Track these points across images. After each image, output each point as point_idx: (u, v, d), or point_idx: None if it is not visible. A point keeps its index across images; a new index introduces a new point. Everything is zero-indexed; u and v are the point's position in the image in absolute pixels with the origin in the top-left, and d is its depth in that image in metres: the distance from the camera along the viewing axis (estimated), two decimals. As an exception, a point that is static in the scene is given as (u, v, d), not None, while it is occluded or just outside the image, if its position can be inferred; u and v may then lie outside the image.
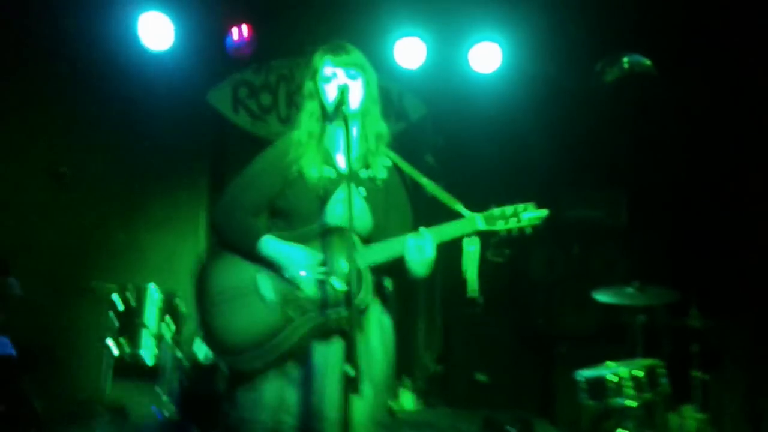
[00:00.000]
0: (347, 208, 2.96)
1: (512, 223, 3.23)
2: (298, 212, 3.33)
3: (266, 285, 3.22)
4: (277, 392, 3.18)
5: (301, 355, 3.18)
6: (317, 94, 3.42)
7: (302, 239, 3.25)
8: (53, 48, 6.64)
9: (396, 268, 3.25)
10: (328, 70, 3.38)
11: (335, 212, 3.28)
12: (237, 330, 3.19)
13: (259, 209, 3.40)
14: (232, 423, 3.25)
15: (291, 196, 3.35)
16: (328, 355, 3.18)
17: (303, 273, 3.17)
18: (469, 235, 3.24)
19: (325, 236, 3.23)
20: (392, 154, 3.49)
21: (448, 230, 3.23)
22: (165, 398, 5.75)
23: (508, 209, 3.24)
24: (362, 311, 3.18)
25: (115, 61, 6.81)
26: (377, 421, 3.28)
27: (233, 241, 3.31)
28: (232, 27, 7.08)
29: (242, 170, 3.46)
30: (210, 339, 3.26)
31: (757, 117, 6.19)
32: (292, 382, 3.19)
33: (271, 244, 3.23)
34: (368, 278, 3.17)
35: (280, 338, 3.13)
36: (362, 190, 3.36)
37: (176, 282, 6.70)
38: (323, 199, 3.31)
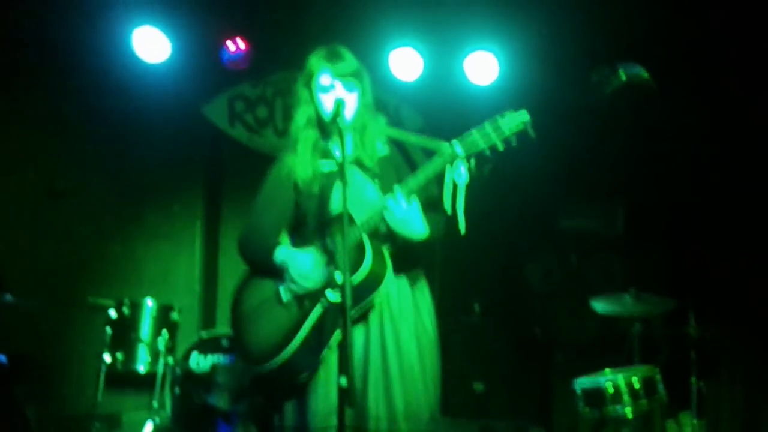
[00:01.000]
0: (352, 198, 2.96)
1: (494, 137, 3.04)
2: (309, 214, 3.38)
3: (285, 290, 3.27)
4: (323, 398, 3.18)
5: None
6: (312, 101, 3.44)
7: (307, 239, 3.32)
8: (47, 62, 6.63)
9: (393, 235, 3.22)
10: (326, 80, 3.39)
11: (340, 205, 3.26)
12: (265, 338, 3.25)
13: (280, 229, 3.45)
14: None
15: (300, 203, 3.41)
16: (364, 349, 3.20)
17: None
18: (451, 164, 3.09)
19: (326, 229, 3.25)
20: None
21: (429, 168, 3.13)
22: (158, 407, 5.73)
23: (486, 125, 3.07)
24: (374, 284, 3.14)
25: (110, 74, 6.79)
26: (418, 415, 3.23)
27: (256, 263, 3.41)
28: (227, 40, 7.07)
29: (255, 199, 3.54)
30: (247, 356, 3.33)
31: (755, 127, 6.19)
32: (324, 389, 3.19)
33: (281, 255, 3.28)
34: (368, 248, 3.14)
35: (305, 330, 3.15)
36: (367, 172, 3.38)
37: (172, 293, 6.72)
38: (323, 196, 3.34)
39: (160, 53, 6.85)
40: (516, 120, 3.07)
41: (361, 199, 3.26)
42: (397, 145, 3.51)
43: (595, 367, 5.26)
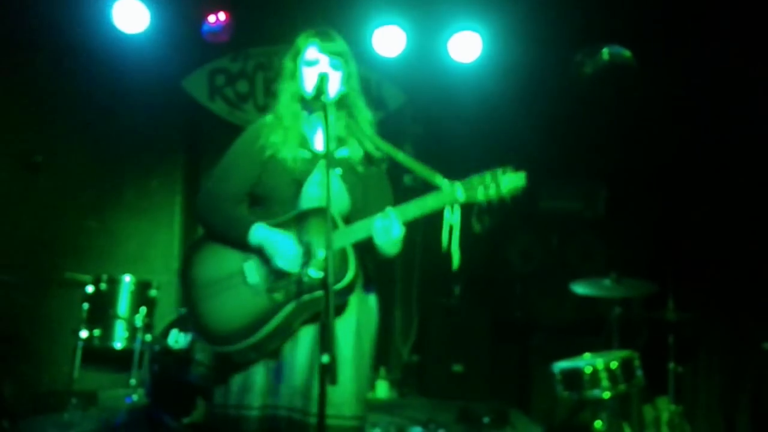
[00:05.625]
0: (324, 191, 2.94)
1: (492, 192, 3.14)
2: (274, 196, 3.33)
3: (252, 271, 3.22)
4: (265, 377, 3.20)
5: (290, 340, 3.20)
6: (297, 76, 3.41)
7: (282, 225, 3.24)
8: (25, 34, 6.52)
9: (369, 248, 3.23)
10: (312, 54, 3.37)
11: (311, 194, 3.28)
12: (227, 319, 3.19)
13: (240, 198, 3.40)
14: (221, 410, 3.25)
15: (267, 181, 3.35)
16: (317, 337, 3.18)
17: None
18: (450, 206, 3.16)
19: (304, 220, 3.21)
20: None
21: (427, 204, 3.17)
22: (136, 384, 5.71)
23: (487, 176, 3.15)
24: (349, 291, 3.18)
25: (89, 46, 6.71)
26: (361, 399, 3.26)
27: (221, 232, 3.31)
28: (208, 13, 6.99)
29: (218, 161, 3.45)
30: (202, 331, 3.25)
31: (737, 108, 6.18)
32: (274, 370, 3.21)
33: (260, 233, 3.21)
34: (352, 257, 3.15)
35: (272, 326, 3.12)
36: (338, 170, 3.35)
37: (150, 269, 6.68)
38: (299, 182, 3.30)
39: (138, 23, 6.76)
40: (514, 182, 3.18)
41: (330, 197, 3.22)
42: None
43: (574, 350, 5.28)
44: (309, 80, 3.35)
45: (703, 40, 6.37)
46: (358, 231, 3.17)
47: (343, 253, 3.14)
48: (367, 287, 3.42)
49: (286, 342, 3.20)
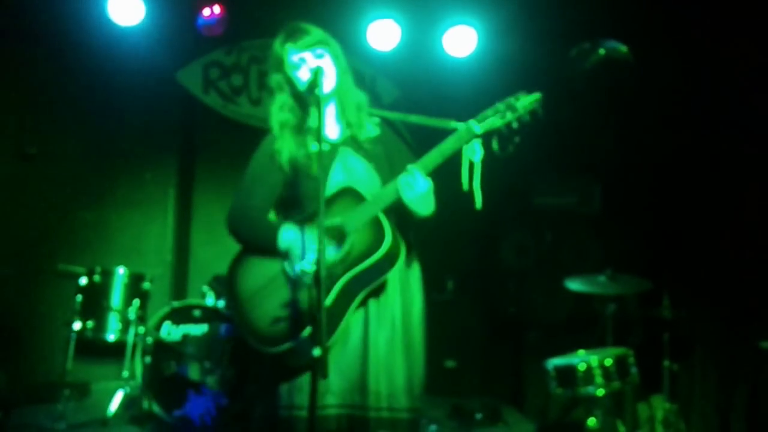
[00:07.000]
0: (347, 175, 3.02)
1: (509, 116, 3.12)
2: (305, 195, 3.33)
3: (291, 268, 3.22)
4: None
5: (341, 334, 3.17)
6: (288, 84, 3.42)
7: (310, 218, 3.24)
8: (19, 25, 6.49)
9: (403, 212, 3.20)
10: (294, 58, 3.37)
11: (337, 182, 3.27)
12: (275, 321, 3.19)
13: (268, 207, 3.41)
14: (273, 411, 3.23)
15: (294, 184, 3.36)
16: (368, 328, 3.20)
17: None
18: (468, 143, 3.12)
19: (330, 206, 3.17)
20: (374, 110, 3.49)
21: (446, 147, 3.14)
22: (128, 376, 5.71)
23: (500, 105, 3.14)
24: (390, 262, 3.14)
25: (83, 37, 6.68)
26: (414, 391, 3.25)
27: (256, 243, 3.33)
28: (203, 6, 6.97)
29: (241, 177, 3.49)
30: (257, 337, 3.23)
31: (734, 105, 6.17)
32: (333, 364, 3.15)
33: (284, 236, 3.23)
34: (387, 224, 3.13)
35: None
36: (360, 153, 3.36)
37: (144, 262, 6.66)
38: (325, 175, 3.27)
39: (133, 16, 6.73)
40: (530, 100, 3.15)
41: (359, 180, 3.27)
42: (387, 122, 3.49)
43: (568, 347, 5.26)
44: (303, 81, 3.35)
45: (701, 36, 6.35)
46: (386, 196, 3.14)
47: (376, 222, 3.13)
48: (408, 258, 3.36)
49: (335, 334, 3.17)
